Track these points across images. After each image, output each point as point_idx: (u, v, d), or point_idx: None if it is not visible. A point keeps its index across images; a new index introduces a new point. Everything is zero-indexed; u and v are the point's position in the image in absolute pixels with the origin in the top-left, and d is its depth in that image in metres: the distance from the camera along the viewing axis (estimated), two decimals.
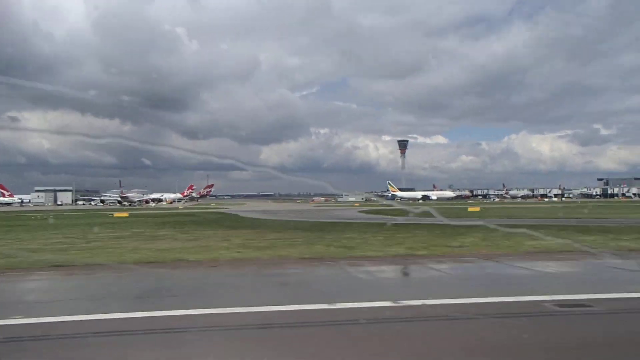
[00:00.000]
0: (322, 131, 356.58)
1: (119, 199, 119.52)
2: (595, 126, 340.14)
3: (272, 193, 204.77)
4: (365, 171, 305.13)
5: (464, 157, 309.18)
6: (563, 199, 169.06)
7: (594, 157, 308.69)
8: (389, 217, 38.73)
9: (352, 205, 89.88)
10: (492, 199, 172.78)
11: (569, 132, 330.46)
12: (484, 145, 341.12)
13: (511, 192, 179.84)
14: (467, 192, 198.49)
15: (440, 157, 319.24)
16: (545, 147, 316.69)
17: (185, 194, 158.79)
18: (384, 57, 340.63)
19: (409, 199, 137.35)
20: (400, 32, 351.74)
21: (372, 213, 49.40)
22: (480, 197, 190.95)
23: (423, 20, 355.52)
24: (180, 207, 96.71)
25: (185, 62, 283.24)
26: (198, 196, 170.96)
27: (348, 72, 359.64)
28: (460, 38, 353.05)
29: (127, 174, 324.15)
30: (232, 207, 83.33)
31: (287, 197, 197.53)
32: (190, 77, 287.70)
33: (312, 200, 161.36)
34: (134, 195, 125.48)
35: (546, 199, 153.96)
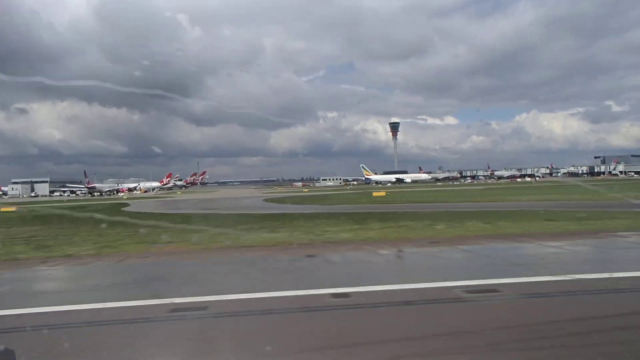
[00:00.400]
0: (329, 115, 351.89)
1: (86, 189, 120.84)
2: (607, 103, 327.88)
3: (276, 178, 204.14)
4: (374, 154, 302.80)
5: (474, 138, 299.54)
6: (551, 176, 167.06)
7: (606, 135, 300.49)
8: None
9: (302, 192, 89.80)
10: (479, 180, 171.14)
11: (580, 109, 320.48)
12: (494, 125, 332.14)
13: (497, 173, 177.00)
14: (455, 174, 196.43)
15: (451, 137, 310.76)
16: (557, 125, 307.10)
17: (163, 183, 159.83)
18: (389, 39, 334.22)
19: (383, 182, 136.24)
20: (405, 13, 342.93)
21: (272, 201, 48.61)
22: (469, 178, 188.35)
23: (427, 1, 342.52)
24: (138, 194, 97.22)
25: (188, 49, 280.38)
26: (185, 184, 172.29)
27: (354, 55, 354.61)
28: (467, 17, 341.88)
29: (137, 163, 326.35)
30: (182, 196, 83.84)
31: (286, 182, 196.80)
32: (194, 63, 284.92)
33: (291, 185, 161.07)
34: (102, 185, 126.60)
35: (528, 179, 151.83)
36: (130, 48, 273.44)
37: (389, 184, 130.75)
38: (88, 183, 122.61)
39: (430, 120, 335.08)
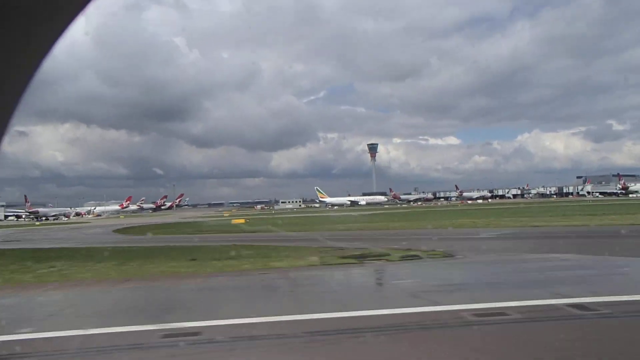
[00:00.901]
0: (329, 136, 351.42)
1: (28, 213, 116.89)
2: (609, 122, 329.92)
3: (222, 202, 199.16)
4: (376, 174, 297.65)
5: (476, 158, 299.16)
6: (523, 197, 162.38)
7: (609, 153, 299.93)
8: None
9: (223, 216, 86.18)
10: (451, 201, 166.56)
11: (582, 129, 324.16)
12: (495, 144, 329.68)
13: (466, 194, 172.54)
14: (429, 195, 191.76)
15: (453, 158, 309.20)
16: (559, 144, 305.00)
17: (123, 206, 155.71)
18: (387, 60, 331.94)
19: (338, 204, 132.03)
20: (403, 35, 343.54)
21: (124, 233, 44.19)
22: (443, 199, 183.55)
23: (424, 23, 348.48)
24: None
25: (185, 72, 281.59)
26: (155, 207, 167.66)
27: (354, 76, 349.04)
28: (464, 39, 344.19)
29: (139, 185, 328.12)
30: (101, 222, 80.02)
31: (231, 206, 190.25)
32: (191, 86, 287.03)
33: (254, 208, 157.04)
34: (46, 210, 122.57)
35: (479, 200, 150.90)
36: (127, 72, 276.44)
37: (344, 206, 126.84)
38: (29, 208, 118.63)
39: (432, 141, 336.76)
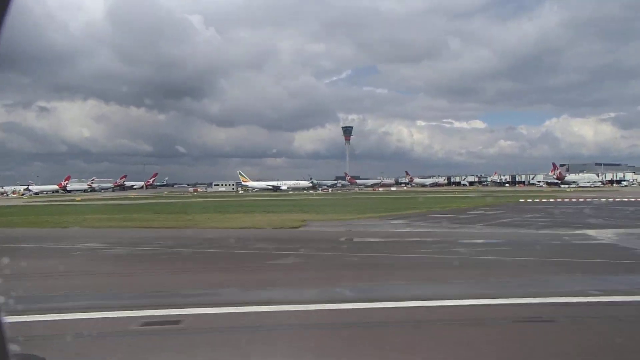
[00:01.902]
0: (350, 117, 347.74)
1: None
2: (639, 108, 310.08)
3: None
4: (398, 157, 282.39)
5: (501, 142, 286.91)
6: (480, 185, 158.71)
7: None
8: None
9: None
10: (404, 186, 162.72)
11: (611, 114, 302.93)
12: (522, 129, 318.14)
13: (417, 180, 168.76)
14: (390, 181, 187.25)
15: (477, 142, 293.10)
16: (587, 130, 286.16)
17: (62, 185, 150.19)
18: (408, 41, 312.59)
19: (260, 188, 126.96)
20: (425, 15, 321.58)
21: None
22: (404, 185, 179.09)
23: (448, 2, 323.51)
24: None
25: (203, 50, 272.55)
26: (113, 186, 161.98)
27: (376, 57, 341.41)
28: (489, 19, 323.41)
29: (163, 162, 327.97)
30: None
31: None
32: (209, 64, 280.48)
33: (196, 191, 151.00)
34: None
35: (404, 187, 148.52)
36: (144, 50, 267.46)
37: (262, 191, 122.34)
38: None
39: (457, 124, 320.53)
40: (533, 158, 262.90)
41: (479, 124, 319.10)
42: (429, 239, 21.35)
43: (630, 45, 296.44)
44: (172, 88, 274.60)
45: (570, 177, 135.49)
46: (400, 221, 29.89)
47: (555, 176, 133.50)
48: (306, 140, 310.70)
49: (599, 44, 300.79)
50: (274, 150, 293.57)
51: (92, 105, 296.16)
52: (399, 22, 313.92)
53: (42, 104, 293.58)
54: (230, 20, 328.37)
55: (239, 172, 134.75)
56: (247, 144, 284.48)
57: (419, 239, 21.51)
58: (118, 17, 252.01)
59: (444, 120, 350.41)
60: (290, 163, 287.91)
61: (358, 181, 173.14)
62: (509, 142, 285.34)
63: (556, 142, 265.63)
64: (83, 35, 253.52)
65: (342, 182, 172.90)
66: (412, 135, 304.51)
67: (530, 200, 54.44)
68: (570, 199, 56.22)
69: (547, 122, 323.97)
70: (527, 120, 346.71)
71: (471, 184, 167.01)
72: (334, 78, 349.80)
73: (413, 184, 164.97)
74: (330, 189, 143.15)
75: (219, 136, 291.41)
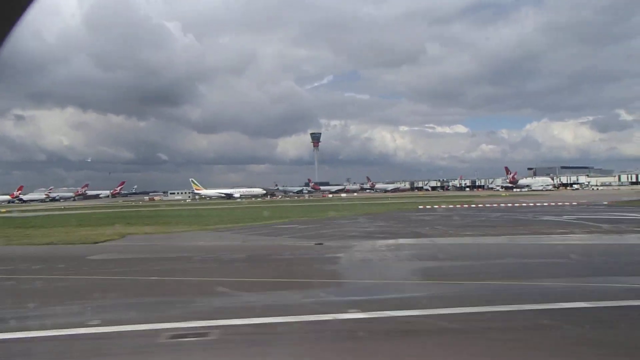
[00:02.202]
0: (332, 123, 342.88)
1: None
2: (617, 111, 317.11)
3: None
4: (381, 162, 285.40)
5: (483, 146, 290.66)
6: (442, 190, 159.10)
7: (618, 144, 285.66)
8: None
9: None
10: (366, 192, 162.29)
11: (590, 118, 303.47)
12: (503, 133, 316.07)
13: (379, 186, 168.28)
14: (354, 186, 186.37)
15: (459, 146, 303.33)
16: (566, 134, 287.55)
17: (14, 195, 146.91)
18: (387, 46, 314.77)
19: (212, 196, 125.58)
20: (405, 20, 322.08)
21: None
22: (368, 190, 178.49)
23: (427, 8, 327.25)
24: None
25: (182, 56, 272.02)
26: (75, 195, 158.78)
27: (358, 63, 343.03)
28: (468, 25, 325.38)
29: (145, 169, 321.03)
30: None
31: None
32: (188, 71, 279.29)
33: (152, 199, 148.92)
34: None
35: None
36: (124, 57, 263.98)
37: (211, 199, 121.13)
38: None
39: (439, 129, 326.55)
40: (515, 162, 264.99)
41: (461, 128, 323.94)
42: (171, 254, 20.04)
43: (605, 50, 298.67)
44: (151, 95, 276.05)
45: (523, 181, 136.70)
46: (228, 233, 28.86)
47: (508, 180, 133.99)
48: (289, 146, 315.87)
49: (576, 48, 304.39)
50: (254, 156, 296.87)
51: (70, 113, 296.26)
52: (380, 27, 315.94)
53: (19, 112, 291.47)
54: (209, 26, 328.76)
55: (192, 180, 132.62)
56: (230, 150, 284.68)
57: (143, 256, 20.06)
58: (94, 23, 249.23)
59: (426, 125, 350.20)
60: (274, 169, 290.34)
61: (322, 187, 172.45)
62: (490, 146, 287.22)
63: (537, 145, 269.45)
64: (59, 41, 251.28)
65: (307, 188, 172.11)
66: (394, 140, 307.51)
67: (436, 206, 53.87)
68: (484, 204, 55.83)
69: (528, 126, 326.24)
70: (508, 125, 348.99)
71: (434, 188, 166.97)
72: (316, 84, 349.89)
73: (376, 189, 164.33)
74: (297, 196, 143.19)
75: (201, 143, 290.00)
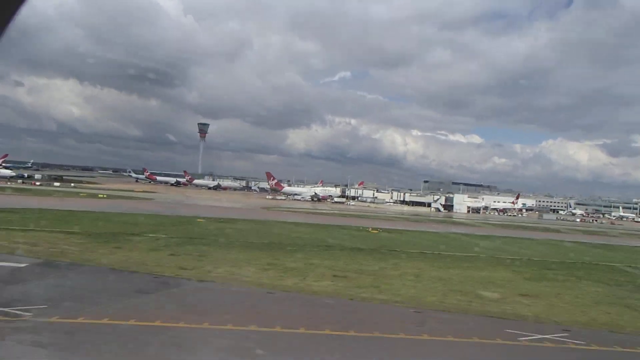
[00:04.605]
0: (337, 119, 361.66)
1: None
2: (631, 137, 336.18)
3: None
4: (390, 164, 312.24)
5: (489, 157, 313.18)
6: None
7: (632, 170, 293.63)
8: None
9: None
10: None
11: (607, 141, 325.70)
12: (507, 147, 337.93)
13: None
14: (240, 184, 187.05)
15: (472, 156, 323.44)
16: (575, 154, 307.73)
17: None
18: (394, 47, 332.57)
19: None
20: (414, 23, 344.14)
21: None
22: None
23: (438, 12, 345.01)
24: None
25: (183, 40, 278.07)
26: None
27: (367, 62, 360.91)
28: (480, 33, 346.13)
29: (154, 148, 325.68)
30: None
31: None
32: (192, 55, 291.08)
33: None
34: None
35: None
36: (129, 35, 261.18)
37: None
38: None
39: (442, 137, 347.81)
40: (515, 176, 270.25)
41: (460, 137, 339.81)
42: None
43: (617, 72, 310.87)
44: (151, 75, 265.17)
45: (288, 189, 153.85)
46: None
47: (269, 187, 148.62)
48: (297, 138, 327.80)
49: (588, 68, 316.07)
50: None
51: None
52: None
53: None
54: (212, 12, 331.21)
55: None
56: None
57: None
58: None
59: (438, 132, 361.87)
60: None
61: (197, 181, 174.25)
62: (501, 159, 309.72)
63: (548, 163, 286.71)
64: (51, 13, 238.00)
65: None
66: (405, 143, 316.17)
67: None
68: None
69: (544, 143, 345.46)
70: (515, 139, 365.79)
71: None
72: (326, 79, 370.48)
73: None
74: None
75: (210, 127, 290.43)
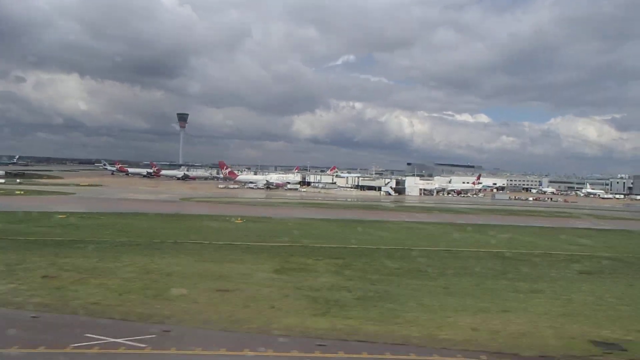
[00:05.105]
0: (341, 104, 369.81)
1: None
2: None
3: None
4: (397, 147, 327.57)
5: (500, 137, 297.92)
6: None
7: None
8: None
9: None
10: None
11: (617, 115, 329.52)
12: (512, 125, 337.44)
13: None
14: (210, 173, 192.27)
15: (480, 136, 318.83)
16: (584, 130, 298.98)
17: None
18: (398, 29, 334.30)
19: None
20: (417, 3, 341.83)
21: None
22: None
23: None
24: None
25: (185, 31, 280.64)
26: None
27: (371, 46, 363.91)
28: (483, 11, 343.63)
29: (161, 140, 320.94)
30: None
31: None
32: (196, 45, 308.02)
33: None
34: None
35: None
36: (130, 27, 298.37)
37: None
38: None
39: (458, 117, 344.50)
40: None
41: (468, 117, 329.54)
42: None
43: (625, 46, 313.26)
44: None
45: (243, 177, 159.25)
46: None
47: (223, 176, 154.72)
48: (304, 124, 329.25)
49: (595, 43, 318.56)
50: None
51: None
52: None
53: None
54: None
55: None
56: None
57: None
58: None
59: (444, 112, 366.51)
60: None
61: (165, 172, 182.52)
62: (509, 138, 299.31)
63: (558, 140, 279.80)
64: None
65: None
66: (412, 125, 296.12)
67: None
68: None
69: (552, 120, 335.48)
70: (522, 117, 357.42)
71: None
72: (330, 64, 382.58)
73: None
74: None
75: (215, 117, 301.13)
